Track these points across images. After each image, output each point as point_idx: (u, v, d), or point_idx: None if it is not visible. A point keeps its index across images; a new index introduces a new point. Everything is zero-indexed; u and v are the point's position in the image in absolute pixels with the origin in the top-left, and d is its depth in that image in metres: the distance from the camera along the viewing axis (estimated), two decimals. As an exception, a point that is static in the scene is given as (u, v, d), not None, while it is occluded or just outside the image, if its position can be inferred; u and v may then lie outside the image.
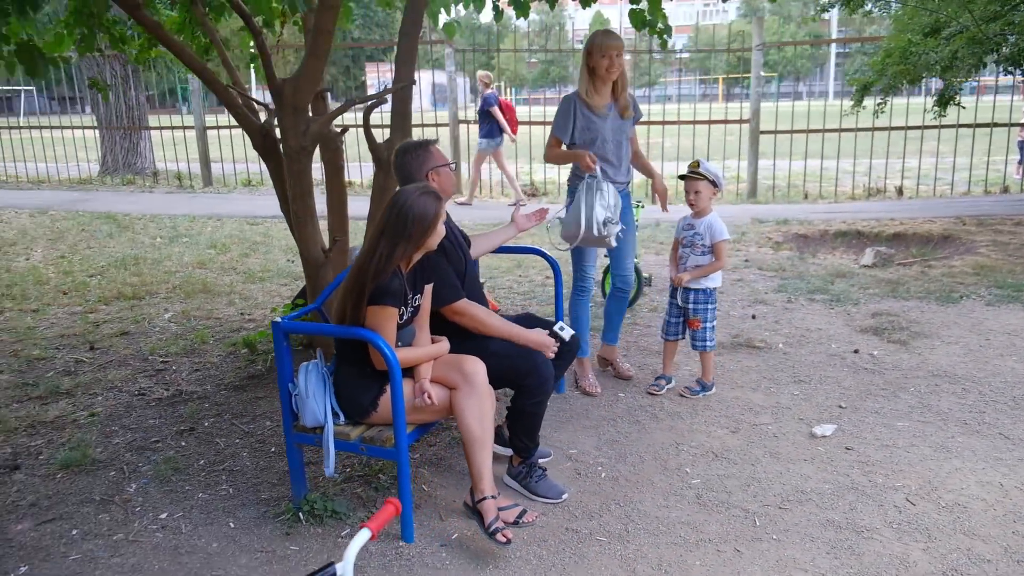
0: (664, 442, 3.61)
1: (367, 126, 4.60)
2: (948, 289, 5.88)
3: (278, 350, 2.88)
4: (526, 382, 3.03)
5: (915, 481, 3.19)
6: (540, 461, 3.40)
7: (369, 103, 4.43)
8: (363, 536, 1.56)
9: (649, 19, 4.57)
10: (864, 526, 2.89)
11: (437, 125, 11.64)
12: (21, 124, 13.35)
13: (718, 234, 4.03)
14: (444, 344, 2.96)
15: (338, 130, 4.80)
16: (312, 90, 4.29)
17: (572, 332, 3.22)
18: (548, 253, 4.09)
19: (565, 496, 3.12)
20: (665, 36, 4.64)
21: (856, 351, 4.68)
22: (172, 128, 12.82)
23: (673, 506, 3.07)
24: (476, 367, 2.83)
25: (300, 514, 2.96)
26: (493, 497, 2.79)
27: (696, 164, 4.03)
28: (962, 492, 3.10)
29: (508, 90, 36.98)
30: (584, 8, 4.68)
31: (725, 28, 10.87)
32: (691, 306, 4.12)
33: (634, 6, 4.53)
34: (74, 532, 2.94)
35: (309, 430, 2.88)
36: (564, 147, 4.05)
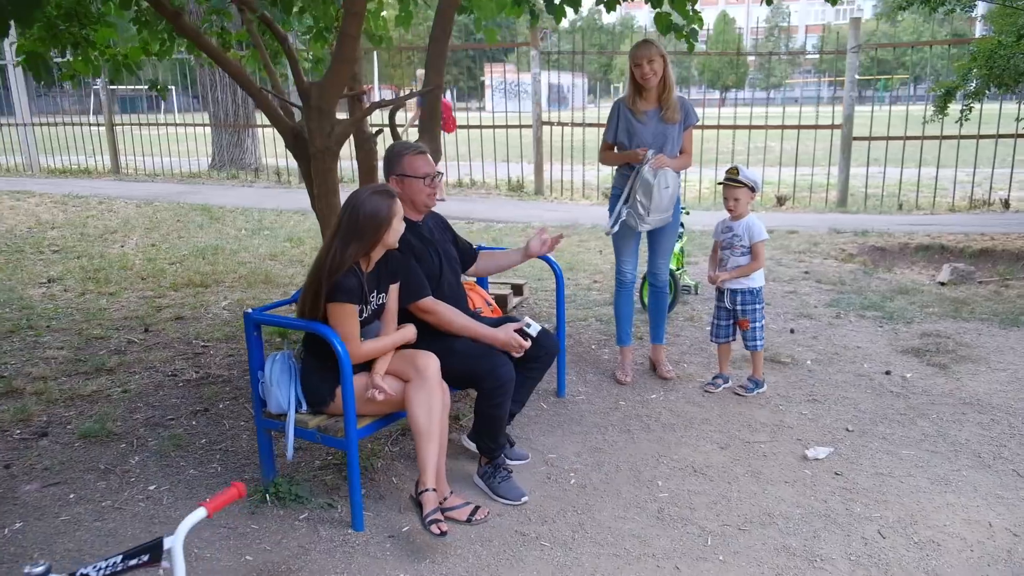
0: (647, 454, 3.56)
1: (393, 127, 4.76)
2: (1017, 312, 5.45)
3: (248, 340, 3.06)
4: (484, 385, 3.07)
5: (895, 513, 3.02)
6: (515, 463, 3.44)
7: (394, 105, 4.58)
8: (198, 514, 1.67)
9: (677, 23, 4.48)
10: (820, 555, 2.77)
11: (521, 127, 11.74)
12: (141, 122, 14.39)
13: (757, 235, 4.10)
14: (409, 329, 3.06)
15: (372, 131, 4.98)
16: (338, 93, 4.47)
17: (540, 328, 3.23)
18: (551, 257, 4.10)
19: (524, 499, 3.15)
20: (692, 39, 4.54)
21: (888, 372, 4.43)
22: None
23: (631, 518, 3.04)
24: (428, 361, 2.91)
25: (267, 495, 3.12)
26: (434, 490, 2.85)
27: (735, 171, 4.10)
28: (942, 529, 2.91)
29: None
30: (608, 12, 4.65)
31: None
32: (739, 308, 4.19)
33: (657, 9, 4.46)
34: (71, 496, 3.22)
35: (275, 416, 3.04)
36: (615, 150, 4.27)
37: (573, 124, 11.42)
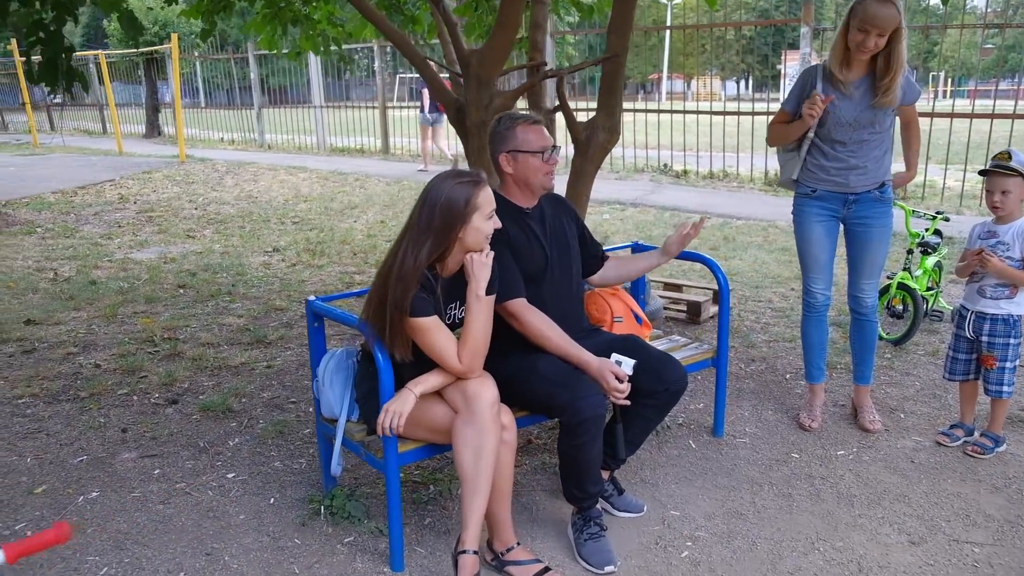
0: (801, 533, 2.67)
1: (563, 100, 4.19)
2: None
3: (310, 332, 2.71)
4: (563, 418, 2.43)
5: None
6: (622, 515, 2.76)
7: (561, 74, 4.00)
8: (-6, 559, 1.29)
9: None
10: None
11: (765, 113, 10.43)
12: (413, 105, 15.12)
13: None
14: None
15: (551, 106, 4.45)
16: (499, 61, 4.01)
17: (632, 363, 2.50)
18: (712, 259, 3.29)
19: (610, 569, 2.46)
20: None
21: None
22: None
23: (741, 624, 2.23)
24: (480, 390, 2.32)
25: (321, 508, 2.77)
26: (475, 552, 2.28)
27: (1006, 155, 3.02)
28: None
29: (948, 80, 31.91)
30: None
31: None
32: (985, 339, 3.17)
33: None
34: (156, 471, 3.13)
35: (329, 421, 2.66)
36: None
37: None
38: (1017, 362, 3.14)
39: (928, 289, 4.60)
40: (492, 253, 2.37)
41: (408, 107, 15.09)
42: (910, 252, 4.65)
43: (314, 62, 16.01)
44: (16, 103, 23.11)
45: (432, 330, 2.30)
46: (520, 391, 2.53)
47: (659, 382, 2.59)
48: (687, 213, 8.60)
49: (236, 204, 9.69)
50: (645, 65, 30.10)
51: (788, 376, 4.05)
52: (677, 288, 5.24)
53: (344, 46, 6.47)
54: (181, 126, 13.93)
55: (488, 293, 2.39)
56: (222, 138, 17.89)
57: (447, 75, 4.90)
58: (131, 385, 3.98)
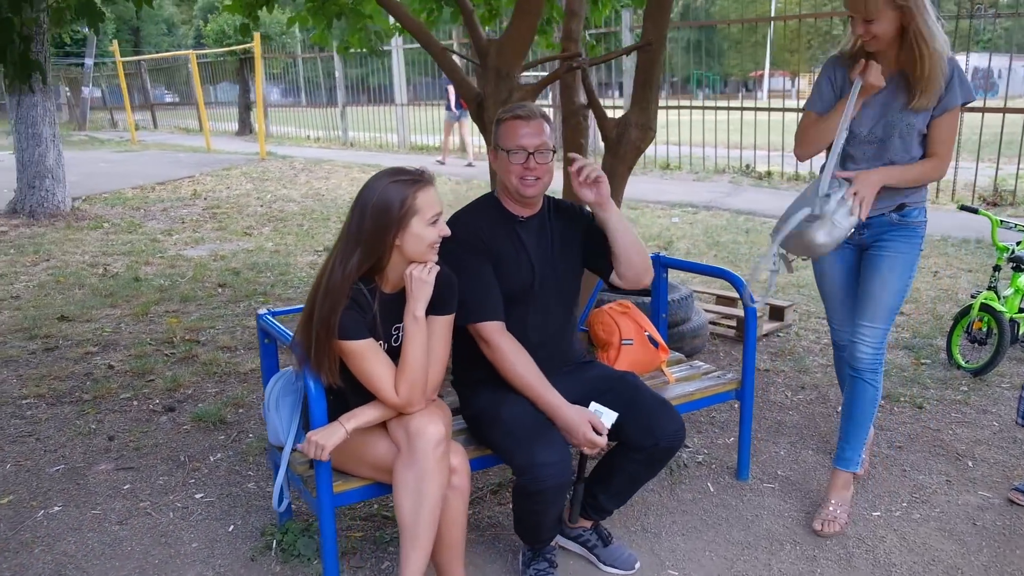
0: (819, 608, 2.23)
1: (591, 94, 3.82)
2: None
3: (261, 349, 2.45)
4: (518, 480, 2.08)
5: None
6: (611, 573, 2.39)
7: (586, 63, 3.63)
8: None
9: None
10: None
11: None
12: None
13: None
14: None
15: (583, 102, 4.08)
16: (520, 52, 3.67)
17: (614, 416, 2.13)
18: (735, 274, 2.86)
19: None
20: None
21: None
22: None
23: None
24: (423, 426, 2.00)
25: (274, 542, 2.51)
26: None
27: None
28: None
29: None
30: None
31: None
32: None
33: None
34: (127, 486, 2.96)
35: (277, 448, 2.40)
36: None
37: (985, 110, 8.31)
38: None
39: (1019, 311, 3.97)
40: (435, 268, 2.05)
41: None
42: (997, 269, 4.03)
43: (396, 60, 16.06)
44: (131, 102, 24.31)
45: (364, 354, 2.01)
46: (483, 434, 2.21)
47: (648, 436, 2.20)
48: (763, 218, 8.01)
49: (302, 202, 9.69)
50: (747, 62, 29.01)
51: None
52: (729, 302, 4.76)
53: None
54: (262, 124, 14.21)
55: (438, 312, 2.07)
56: (308, 135, 18.20)
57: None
58: (135, 389, 3.86)
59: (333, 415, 2.09)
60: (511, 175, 2.30)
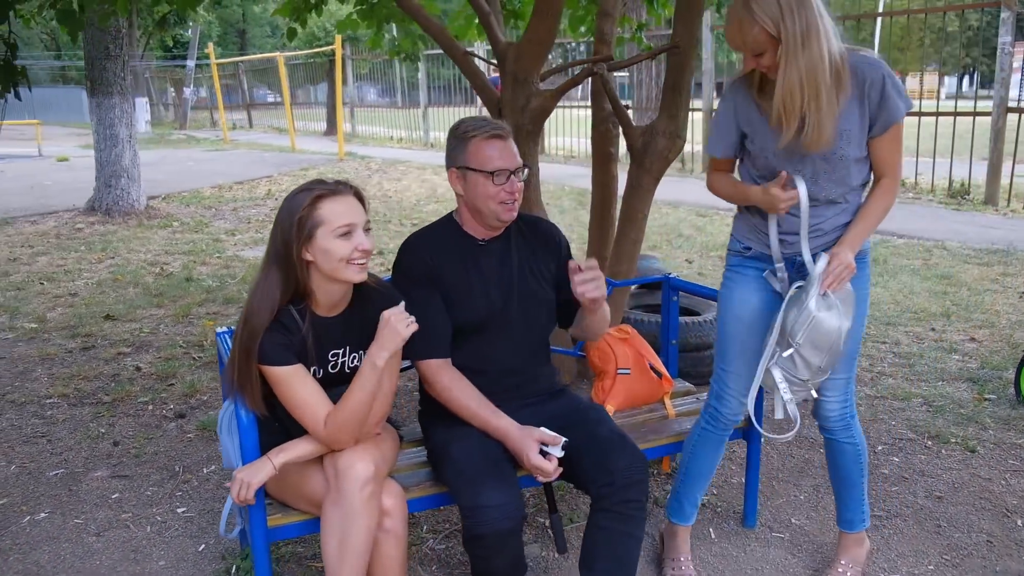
0: None
1: (614, 101, 3.59)
2: None
3: (220, 370, 2.36)
4: (463, 522, 1.90)
5: None
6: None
7: (612, 66, 3.41)
8: None
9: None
10: None
11: (975, 114, 8.95)
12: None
13: None
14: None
15: (610, 108, 3.85)
16: (539, 56, 3.50)
17: (562, 445, 1.93)
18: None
19: None
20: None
21: None
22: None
23: None
24: (351, 464, 1.86)
25: (234, 567, 2.43)
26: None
27: None
28: None
29: None
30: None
31: None
32: None
33: None
34: (115, 495, 2.95)
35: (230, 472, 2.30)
36: (736, 175, 2.24)
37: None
38: None
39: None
40: (413, 325, 1.86)
41: (575, 106, 14.55)
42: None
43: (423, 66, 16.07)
44: (228, 102, 25.32)
45: (289, 381, 1.88)
46: (437, 471, 2.06)
47: (603, 472, 1.98)
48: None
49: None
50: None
51: (879, 449, 3.21)
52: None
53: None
54: (340, 124, 14.45)
55: (407, 353, 1.94)
56: (391, 136, 18.45)
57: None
58: (155, 393, 3.88)
59: (281, 444, 1.98)
60: (490, 199, 2.11)
